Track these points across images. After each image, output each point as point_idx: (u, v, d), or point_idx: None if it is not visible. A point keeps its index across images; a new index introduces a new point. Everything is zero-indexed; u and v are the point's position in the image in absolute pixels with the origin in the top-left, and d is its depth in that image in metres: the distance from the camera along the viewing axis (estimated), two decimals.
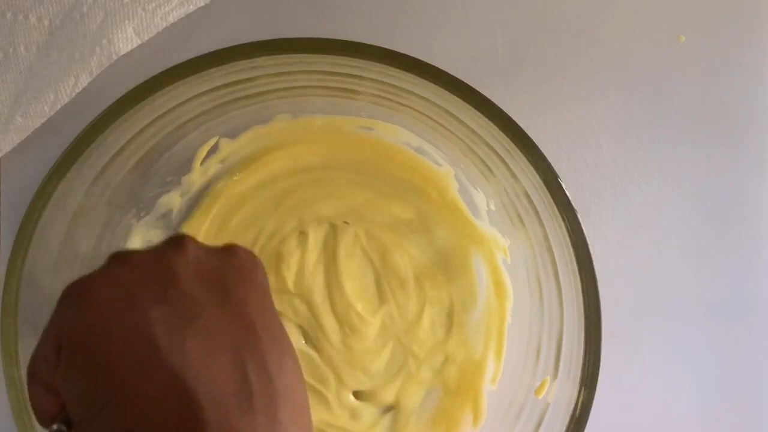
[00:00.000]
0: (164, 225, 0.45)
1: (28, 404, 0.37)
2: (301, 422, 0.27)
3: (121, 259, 0.29)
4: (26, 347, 0.38)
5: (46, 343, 0.28)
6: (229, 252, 0.31)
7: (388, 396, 0.45)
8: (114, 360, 0.26)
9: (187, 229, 0.45)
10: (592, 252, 0.37)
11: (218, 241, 0.45)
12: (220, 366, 0.26)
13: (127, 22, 0.43)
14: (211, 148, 0.44)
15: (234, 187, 0.45)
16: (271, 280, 0.45)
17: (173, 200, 0.45)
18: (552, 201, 0.37)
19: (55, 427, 0.28)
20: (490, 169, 0.41)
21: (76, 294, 0.28)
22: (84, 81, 0.44)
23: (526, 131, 0.37)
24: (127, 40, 0.44)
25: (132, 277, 0.28)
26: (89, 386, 0.26)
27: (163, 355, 0.25)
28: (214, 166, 0.45)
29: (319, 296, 0.45)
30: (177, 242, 0.30)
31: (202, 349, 0.26)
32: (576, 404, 0.37)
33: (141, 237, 0.44)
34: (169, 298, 0.27)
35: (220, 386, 0.25)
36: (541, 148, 0.37)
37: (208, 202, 0.45)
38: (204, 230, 0.45)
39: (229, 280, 0.29)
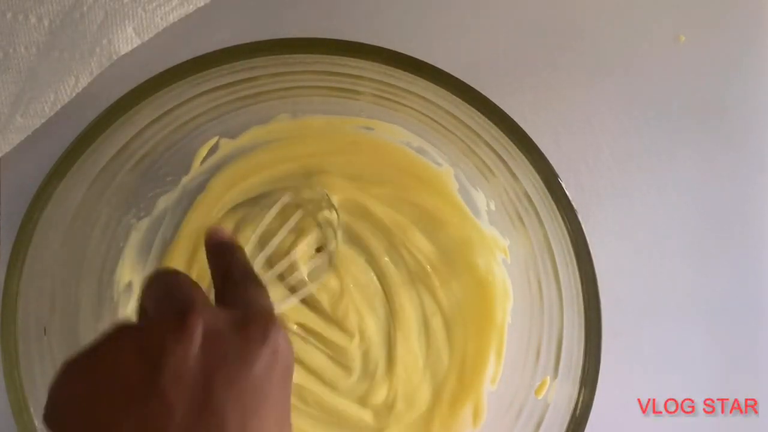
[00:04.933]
0: (163, 225, 0.45)
1: (29, 404, 0.37)
2: None
3: (119, 330, 0.27)
4: (26, 347, 0.38)
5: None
6: (242, 329, 0.27)
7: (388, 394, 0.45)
8: None
9: (184, 228, 0.45)
10: (592, 252, 0.37)
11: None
12: None
13: (127, 22, 0.43)
14: (211, 148, 0.44)
15: (232, 186, 0.45)
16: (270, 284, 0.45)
17: (172, 200, 0.45)
18: (552, 201, 0.37)
19: None
20: (490, 169, 0.41)
21: (62, 372, 0.26)
22: (84, 81, 0.44)
23: (526, 131, 0.37)
24: (127, 40, 0.44)
25: (119, 361, 0.26)
26: None
27: None
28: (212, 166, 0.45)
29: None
30: (183, 319, 0.26)
31: None
32: (576, 404, 0.37)
33: (141, 237, 0.44)
34: (145, 404, 0.25)
35: None
36: (541, 148, 0.37)
37: (206, 203, 0.45)
38: (198, 231, 0.45)
39: (223, 378, 0.26)
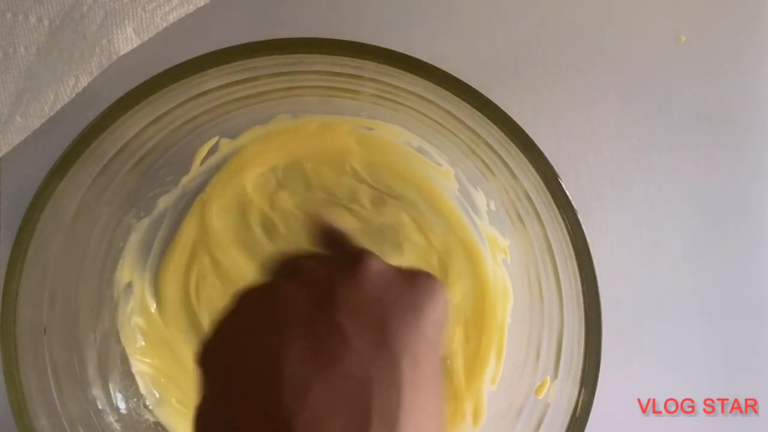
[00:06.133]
0: (163, 225, 0.45)
1: (29, 404, 0.37)
2: None
3: (292, 271, 0.28)
4: (26, 347, 0.38)
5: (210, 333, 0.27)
6: (411, 280, 0.28)
7: None
8: (238, 383, 0.25)
9: (184, 228, 0.45)
10: (592, 252, 0.37)
11: (214, 243, 0.45)
12: (339, 422, 0.23)
13: (127, 22, 0.43)
14: (211, 148, 0.44)
15: (231, 187, 0.45)
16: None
17: (172, 200, 0.45)
18: (552, 201, 0.37)
19: None
20: (490, 169, 0.41)
21: (237, 303, 0.27)
22: (84, 81, 0.44)
23: (526, 131, 0.37)
24: (127, 40, 0.44)
25: (292, 296, 0.26)
26: (215, 395, 0.25)
27: (282, 398, 0.24)
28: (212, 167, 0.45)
29: None
30: (356, 261, 0.28)
31: (328, 400, 0.24)
32: (576, 404, 0.37)
33: (141, 237, 0.44)
34: (316, 332, 0.25)
35: None
36: (541, 148, 0.37)
37: (206, 203, 0.45)
38: (195, 233, 0.45)
39: (395, 317, 0.26)
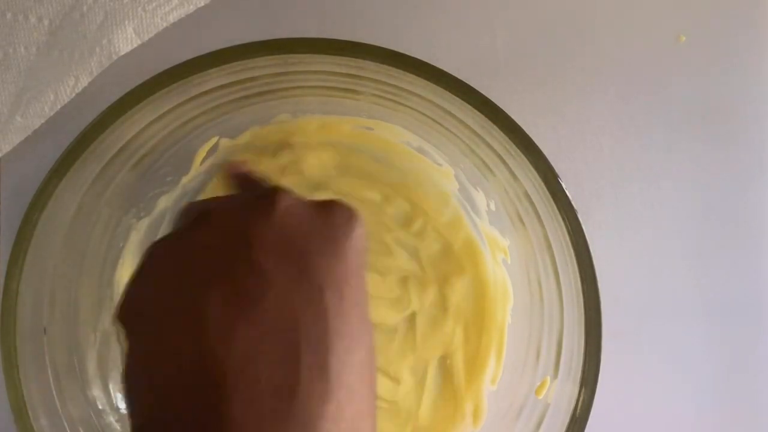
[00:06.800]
0: (163, 225, 0.45)
1: (28, 404, 0.37)
2: (355, 430, 0.24)
3: (202, 216, 0.27)
4: (26, 347, 0.38)
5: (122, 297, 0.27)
6: (326, 212, 0.28)
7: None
8: (160, 336, 0.24)
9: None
10: (592, 252, 0.37)
11: None
12: (268, 359, 0.23)
13: (127, 22, 0.43)
14: (211, 148, 0.44)
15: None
16: None
17: (172, 200, 0.45)
18: (552, 201, 0.37)
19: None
20: (490, 169, 0.41)
21: (150, 256, 0.27)
22: (84, 81, 0.44)
23: (525, 131, 0.37)
24: (127, 40, 0.44)
25: (205, 242, 0.26)
26: (138, 352, 0.25)
27: (207, 345, 0.23)
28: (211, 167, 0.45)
29: None
30: (267, 199, 0.27)
31: (255, 339, 0.23)
32: (576, 404, 0.37)
33: (141, 237, 0.44)
34: (235, 274, 0.25)
35: (261, 384, 0.23)
36: (541, 148, 0.37)
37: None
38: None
39: (314, 250, 0.26)
